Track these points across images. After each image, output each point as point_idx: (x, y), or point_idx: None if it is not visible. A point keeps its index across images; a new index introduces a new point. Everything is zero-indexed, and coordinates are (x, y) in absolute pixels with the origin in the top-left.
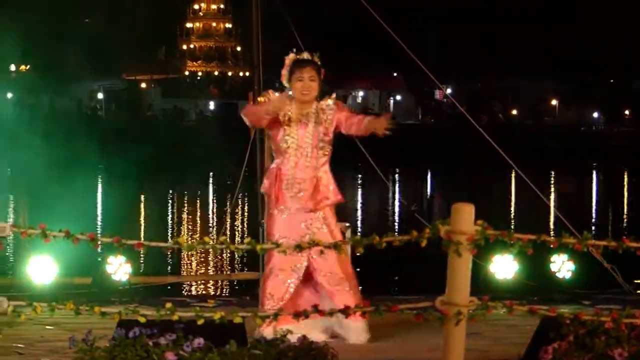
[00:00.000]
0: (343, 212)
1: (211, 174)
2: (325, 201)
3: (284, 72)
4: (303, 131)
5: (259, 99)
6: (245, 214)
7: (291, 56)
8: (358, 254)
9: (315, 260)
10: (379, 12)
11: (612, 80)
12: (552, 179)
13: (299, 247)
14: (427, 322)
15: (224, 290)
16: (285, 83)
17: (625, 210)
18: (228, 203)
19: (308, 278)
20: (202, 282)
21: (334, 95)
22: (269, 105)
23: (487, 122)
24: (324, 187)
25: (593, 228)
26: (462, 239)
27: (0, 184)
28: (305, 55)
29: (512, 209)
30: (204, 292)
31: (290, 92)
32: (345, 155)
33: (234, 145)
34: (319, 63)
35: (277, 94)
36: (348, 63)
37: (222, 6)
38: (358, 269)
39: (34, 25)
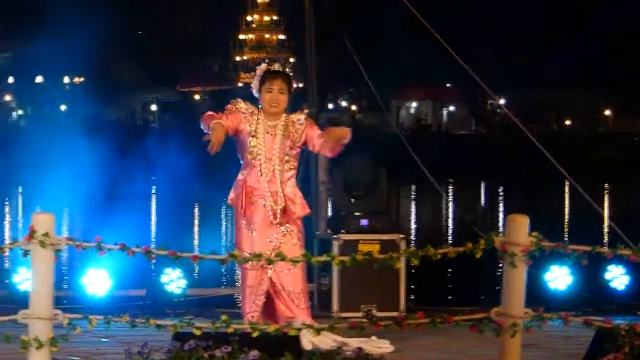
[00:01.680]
0: (397, 223)
1: None
2: (292, 215)
3: (255, 82)
4: (270, 143)
5: (227, 107)
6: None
7: (262, 66)
8: (413, 265)
9: (279, 274)
10: (431, 22)
11: None
12: (606, 188)
13: (269, 261)
14: (482, 334)
15: None
16: (255, 93)
17: None
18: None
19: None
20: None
21: (305, 111)
22: (213, 129)
23: (540, 132)
24: (289, 200)
25: None
26: (517, 250)
27: (54, 196)
28: (277, 66)
29: (567, 219)
30: None
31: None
32: (399, 166)
33: None
34: (290, 75)
35: (244, 104)
36: (401, 73)
37: (275, 18)
38: (412, 281)
39: (88, 36)
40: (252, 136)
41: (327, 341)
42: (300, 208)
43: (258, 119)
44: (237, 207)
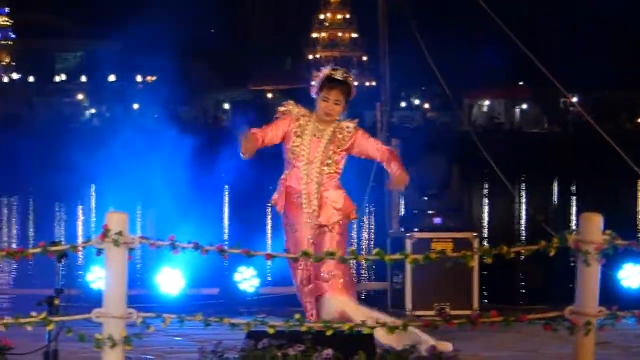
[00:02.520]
0: (469, 221)
1: None
2: (331, 217)
3: (315, 84)
4: (315, 146)
5: (279, 108)
6: (372, 224)
7: (325, 71)
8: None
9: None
10: (505, 21)
11: None
12: None
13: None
14: (555, 332)
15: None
16: (313, 95)
17: None
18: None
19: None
20: None
21: (356, 120)
22: (244, 143)
23: (613, 130)
24: (331, 202)
25: None
26: (591, 249)
27: (127, 195)
28: (339, 74)
29: None
30: None
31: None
32: (471, 165)
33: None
34: (351, 84)
35: (296, 107)
36: (474, 72)
37: (347, 16)
38: (484, 281)
39: (161, 36)
40: (297, 136)
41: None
42: (341, 211)
43: (309, 121)
44: (278, 206)
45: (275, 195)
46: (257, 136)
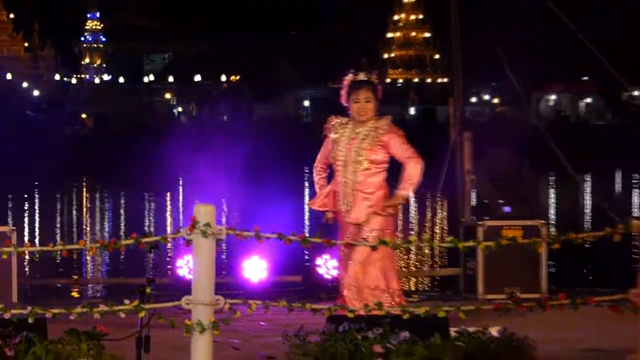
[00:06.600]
0: (538, 209)
1: None
2: (362, 216)
3: (343, 92)
4: (350, 147)
5: (325, 126)
6: (445, 212)
7: (349, 77)
8: (554, 249)
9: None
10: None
11: None
12: None
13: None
14: (622, 314)
15: (427, 285)
16: (344, 103)
17: None
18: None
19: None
20: (406, 278)
21: (389, 117)
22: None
23: None
24: (364, 200)
25: None
26: None
27: (213, 188)
28: (362, 76)
29: None
30: (408, 287)
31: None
32: (540, 156)
33: (431, 148)
34: (376, 83)
35: (336, 118)
36: (541, 68)
37: (421, 16)
38: (553, 264)
39: (244, 37)
40: (336, 143)
41: None
42: (374, 208)
43: (346, 127)
44: (323, 209)
45: (314, 199)
46: (326, 202)
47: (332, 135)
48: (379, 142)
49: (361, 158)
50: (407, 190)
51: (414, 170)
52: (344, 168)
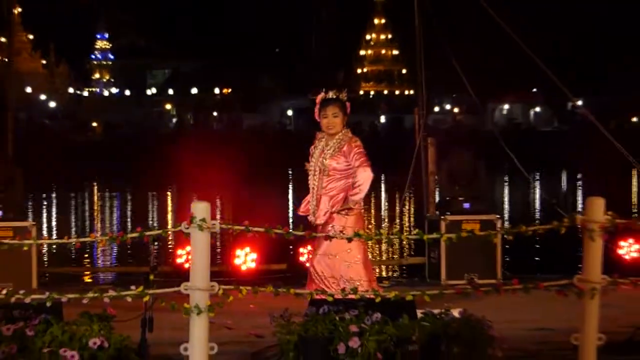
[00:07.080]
0: (493, 206)
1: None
2: (321, 217)
3: (316, 109)
4: (319, 157)
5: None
6: (412, 209)
7: (320, 96)
8: (509, 240)
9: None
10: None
11: None
12: None
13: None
14: (567, 297)
15: (396, 272)
16: (317, 119)
17: None
18: (398, 200)
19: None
20: (378, 266)
21: (348, 130)
22: None
23: (615, 128)
24: (325, 203)
25: None
26: (595, 227)
27: (208, 187)
28: (331, 94)
29: (635, 201)
30: (379, 275)
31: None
32: (494, 159)
33: (400, 151)
34: (344, 99)
35: (320, 134)
36: (495, 81)
37: (390, 36)
38: (507, 253)
39: (234, 52)
40: (312, 155)
41: None
42: (330, 208)
43: (322, 140)
44: (306, 214)
45: (300, 206)
46: (308, 208)
47: (312, 148)
48: (340, 151)
49: (325, 166)
50: (356, 195)
51: (361, 176)
52: (313, 176)
